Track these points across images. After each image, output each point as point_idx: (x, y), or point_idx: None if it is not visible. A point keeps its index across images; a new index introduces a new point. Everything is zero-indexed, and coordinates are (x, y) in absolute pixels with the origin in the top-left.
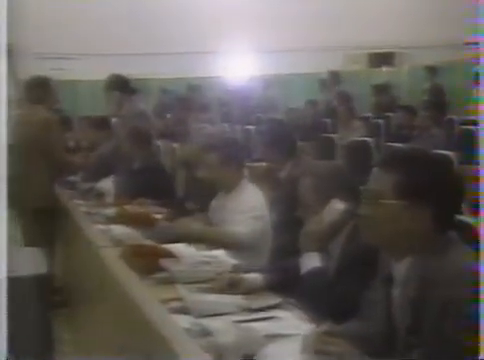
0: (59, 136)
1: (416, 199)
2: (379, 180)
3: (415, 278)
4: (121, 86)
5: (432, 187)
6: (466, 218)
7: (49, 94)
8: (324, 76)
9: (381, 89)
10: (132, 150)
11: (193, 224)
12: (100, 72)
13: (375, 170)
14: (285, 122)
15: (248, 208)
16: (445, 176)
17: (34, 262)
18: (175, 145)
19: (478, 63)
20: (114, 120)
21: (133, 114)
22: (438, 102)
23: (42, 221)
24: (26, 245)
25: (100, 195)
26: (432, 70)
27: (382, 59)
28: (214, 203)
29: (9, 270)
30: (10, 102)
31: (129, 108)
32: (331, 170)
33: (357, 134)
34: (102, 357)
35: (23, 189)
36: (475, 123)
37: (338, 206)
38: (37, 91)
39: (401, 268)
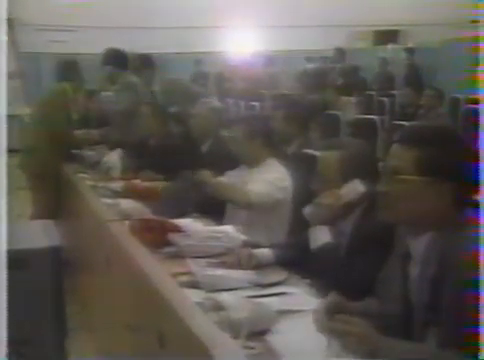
0: (66, 110)
1: (438, 175)
2: (399, 156)
3: (435, 256)
4: (114, 60)
5: (453, 163)
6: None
7: (76, 74)
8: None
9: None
10: (152, 127)
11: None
12: (101, 45)
13: (395, 146)
14: (298, 98)
15: (270, 177)
16: (466, 153)
17: (47, 234)
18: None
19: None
20: (104, 94)
21: (124, 86)
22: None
23: (49, 192)
24: (35, 217)
25: (108, 169)
26: (410, 51)
27: (388, 36)
28: (231, 173)
29: (20, 242)
30: (10, 74)
31: (122, 81)
32: (360, 150)
33: (351, 111)
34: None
35: (33, 157)
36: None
37: (359, 188)
38: (65, 71)
39: (419, 245)
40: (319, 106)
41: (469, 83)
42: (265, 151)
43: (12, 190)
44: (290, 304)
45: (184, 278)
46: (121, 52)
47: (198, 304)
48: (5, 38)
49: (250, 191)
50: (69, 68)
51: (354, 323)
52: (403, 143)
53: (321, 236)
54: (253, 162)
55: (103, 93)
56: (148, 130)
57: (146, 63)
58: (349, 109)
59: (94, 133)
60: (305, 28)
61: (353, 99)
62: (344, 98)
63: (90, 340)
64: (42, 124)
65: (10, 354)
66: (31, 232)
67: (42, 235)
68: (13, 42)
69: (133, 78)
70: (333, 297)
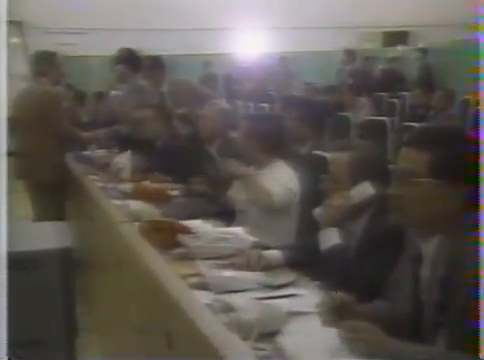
0: (62, 109)
1: (447, 177)
2: (409, 159)
3: (444, 257)
4: (127, 60)
5: (463, 165)
6: None
7: (54, 68)
8: (339, 54)
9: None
10: (157, 127)
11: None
12: (110, 47)
13: (404, 149)
14: (314, 100)
15: (283, 179)
16: (475, 154)
17: (57, 235)
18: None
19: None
20: (112, 93)
21: (133, 89)
22: (426, 82)
23: (52, 195)
24: (36, 220)
25: (118, 171)
26: (423, 51)
27: (397, 38)
28: None
29: (31, 243)
30: (22, 77)
31: (131, 82)
32: (370, 152)
33: (364, 112)
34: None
35: (31, 162)
36: None
37: (369, 190)
38: (42, 65)
39: (429, 247)
40: (332, 107)
41: (474, 84)
42: (267, 152)
43: (12, 191)
44: (299, 305)
45: (193, 279)
46: (133, 52)
47: (207, 306)
48: (5, 40)
49: (273, 191)
50: (45, 61)
51: (362, 329)
52: (411, 146)
53: (331, 238)
54: (258, 163)
55: (112, 92)
56: (153, 132)
57: (156, 64)
58: (362, 110)
59: (99, 133)
60: (314, 29)
61: (365, 100)
62: (361, 99)
63: (99, 340)
64: (36, 126)
65: (11, 357)
66: (42, 233)
67: (53, 236)
68: (23, 45)
69: (142, 81)
70: (341, 296)
